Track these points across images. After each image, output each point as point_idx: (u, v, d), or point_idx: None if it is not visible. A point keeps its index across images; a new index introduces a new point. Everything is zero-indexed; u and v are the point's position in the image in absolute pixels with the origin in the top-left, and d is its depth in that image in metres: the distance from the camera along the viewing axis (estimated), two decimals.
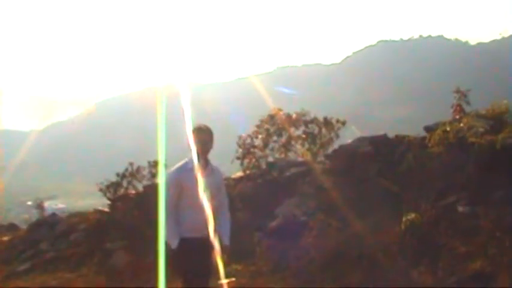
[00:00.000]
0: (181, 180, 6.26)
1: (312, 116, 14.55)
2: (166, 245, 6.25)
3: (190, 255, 6.19)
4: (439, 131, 10.90)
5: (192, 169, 6.23)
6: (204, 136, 6.39)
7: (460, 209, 9.27)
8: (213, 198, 6.35)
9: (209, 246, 6.25)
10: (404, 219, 8.70)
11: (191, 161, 6.27)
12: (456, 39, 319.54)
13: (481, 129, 10.65)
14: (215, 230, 6.31)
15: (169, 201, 6.27)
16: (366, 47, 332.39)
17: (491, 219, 8.31)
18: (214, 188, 6.44)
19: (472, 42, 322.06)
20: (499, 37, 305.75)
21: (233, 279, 6.90)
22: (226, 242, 6.44)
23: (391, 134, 12.39)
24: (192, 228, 6.24)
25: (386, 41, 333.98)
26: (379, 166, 11.13)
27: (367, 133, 12.92)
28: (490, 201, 9.17)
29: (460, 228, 8.57)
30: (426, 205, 9.14)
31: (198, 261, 6.24)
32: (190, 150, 6.22)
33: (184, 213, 6.27)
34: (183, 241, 6.17)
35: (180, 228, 6.22)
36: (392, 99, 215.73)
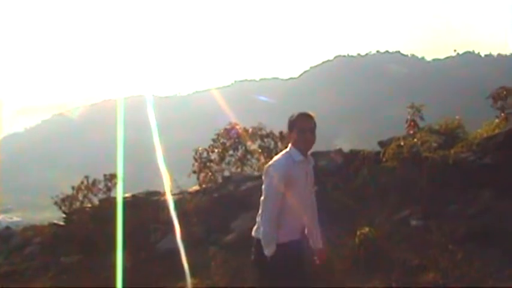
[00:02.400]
0: (291, 176, 5.37)
1: (268, 130, 14.60)
2: (258, 251, 5.44)
3: (291, 262, 5.50)
4: (393, 146, 11.06)
5: (301, 162, 5.46)
6: (310, 124, 5.54)
7: (413, 222, 9.44)
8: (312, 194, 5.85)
9: (306, 249, 5.76)
10: (358, 233, 8.75)
11: (295, 152, 5.44)
12: (413, 55, 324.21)
13: (434, 144, 10.86)
14: (311, 232, 5.90)
15: (275, 201, 5.35)
16: (324, 62, 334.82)
17: (444, 232, 8.44)
18: (312, 183, 5.82)
19: (428, 58, 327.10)
20: (453, 54, 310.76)
21: None
22: (320, 245, 6.00)
23: (348, 148, 12.52)
24: (291, 232, 5.50)
25: (343, 56, 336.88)
26: (335, 180, 11.21)
27: (324, 147, 13.01)
28: (442, 215, 9.33)
29: (413, 241, 8.67)
30: (380, 219, 9.24)
31: (299, 268, 5.58)
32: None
33: (285, 215, 5.40)
34: (281, 247, 5.34)
35: (278, 231, 5.37)
36: (349, 113, 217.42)
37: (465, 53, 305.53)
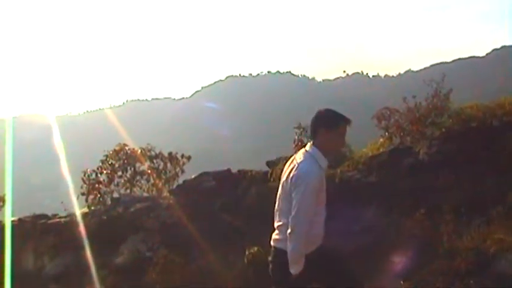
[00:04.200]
0: (321, 185, 5.06)
1: (158, 150, 14.53)
2: (280, 265, 5.11)
3: (335, 263, 5.35)
4: (280, 166, 11.18)
5: (325, 168, 5.13)
6: (346, 130, 5.19)
7: None
8: None
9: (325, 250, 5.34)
10: (247, 252, 8.81)
11: (321, 157, 5.05)
12: (303, 76, 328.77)
13: None
14: None
15: (309, 215, 4.92)
16: (215, 82, 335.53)
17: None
18: None
19: (318, 78, 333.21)
20: (343, 74, 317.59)
21: None
22: None
23: (239, 168, 12.58)
24: (314, 241, 5.17)
25: (235, 76, 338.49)
26: (223, 201, 11.26)
27: (215, 167, 13.05)
28: (328, 233, 9.49)
29: None
30: (269, 238, 9.30)
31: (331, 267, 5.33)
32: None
33: (312, 224, 5.01)
34: (312, 256, 5.03)
35: None
36: (241, 133, 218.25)
37: (354, 73, 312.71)
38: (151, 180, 13.97)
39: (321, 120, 5.16)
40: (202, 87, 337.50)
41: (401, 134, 12.25)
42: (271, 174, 11.23)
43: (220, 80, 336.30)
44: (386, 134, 12.57)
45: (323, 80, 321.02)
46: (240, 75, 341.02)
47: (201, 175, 12.36)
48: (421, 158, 10.78)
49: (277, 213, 5.37)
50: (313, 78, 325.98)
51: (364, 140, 13.26)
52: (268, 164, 12.11)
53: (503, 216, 8.30)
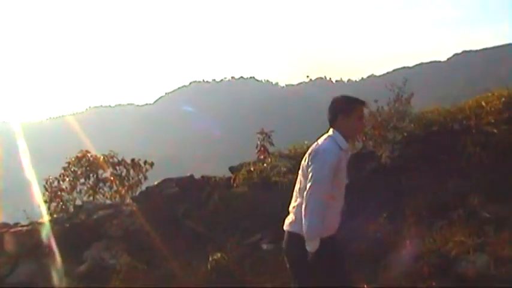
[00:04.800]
0: (339, 166, 4.99)
1: (120, 157, 14.46)
2: (295, 247, 5.03)
3: (335, 258, 5.10)
4: (243, 171, 11.25)
5: (346, 150, 5.12)
6: (363, 112, 5.28)
7: (265, 246, 9.58)
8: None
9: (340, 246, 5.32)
10: (210, 258, 8.82)
11: (341, 139, 5.05)
12: (267, 81, 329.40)
13: (284, 169, 11.10)
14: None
15: (326, 187, 4.84)
16: (179, 88, 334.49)
17: None
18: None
19: (282, 83, 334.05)
20: (306, 79, 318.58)
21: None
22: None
23: (203, 174, 12.58)
24: (331, 226, 5.10)
25: (199, 81, 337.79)
26: (186, 207, 11.25)
27: (178, 173, 13.04)
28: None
29: (265, 265, 8.79)
30: (232, 244, 9.33)
31: (342, 264, 5.22)
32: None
33: (328, 208, 4.93)
34: (324, 242, 4.86)
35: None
36: (205, 139, 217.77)
37: (317, 78, 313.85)
38: (114, 187, 13.90)
39: (337, 107, 5.18)
40: (166, 93, 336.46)
41: (364, 138, 12.34)
42: (234, 179, 11.27)
43: (184, 86, 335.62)
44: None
45: (286, 85, 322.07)
46: (203, 80, 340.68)
47: (164, 181, 12.34)
48: (383, 162, 10.91)
49: (295, 194, 5.30)
50: (277, 83, 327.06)
51: None
52: (231, 169, 12.15)
53: (464, 218, 8.43)
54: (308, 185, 4.87)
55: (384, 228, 8.72)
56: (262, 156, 12.30)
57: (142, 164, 14.04)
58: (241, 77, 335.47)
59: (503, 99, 10.78)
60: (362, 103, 5.17)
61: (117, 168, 14.11)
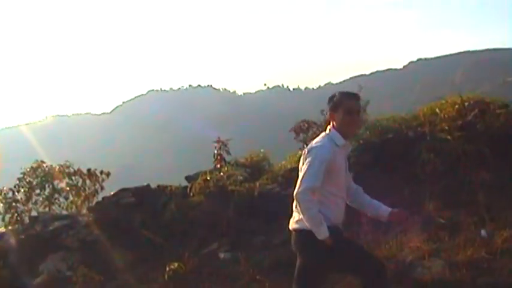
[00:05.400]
0: (333, 161, 4.93)
1: (76, 167, 14.30)
2: (302, 240, 5.05)
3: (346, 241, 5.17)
4: (200, 181, 11.23)
5: (343, 146, 5.06)
6: (358, 105, 5.20)
7: (222, 255, 9.59)
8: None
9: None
10: (167, 268, 8.79)
11: (337, 136, 5.02)
12: (224, 89, 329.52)
13: (240, 177, 11.13)
14: (368, 208, 5.48)
15: (316, 177, 4.79)
16: (136, 97, 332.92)
17: (251, 263, 8.62)
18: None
19: (239, 91, 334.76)
20: (264, 87, 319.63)
21: None
22: (389, 209, 5.45)
23: (159, 183, 12.53)
24: (335, 220, 5.04)
25: (156, 90, 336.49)
26: (143, 217, 11.18)
27: (135, 183, 12.97)
28: (250, 246, 9.58)
29: (222, 273, 8.79)
30: (189, 253, 9.30)
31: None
32: None
33: (329, 202, 5.00)
34: (333, 227, 4.90)
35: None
36: (162, 148, 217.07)
37: (275, 86, 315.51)
38: (70, 198, 13.74)
39: (329, 104, 5.17)
40: (123, 102, 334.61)
41: None
42: (190, 188, 11.25)
43: (142, 95, 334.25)
44: (305, 146, 12.73)
45: (244, 93, 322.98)
46: (161, 89, 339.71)
47: (120, 191, 12.23)
48: None
49: None
50: (235, 92, 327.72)
51: (285, 153, 13.41)
52: (187, 178, 12.13)
53: (420, 224, 8.50)
54: (298, 181, 4.87)
55: None
56: (218, 165, 12.33)
57: (99, 174, 13.88)
58: (199, 85, 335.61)
59: (456, 106, 10.95)
60: (349, 97, 5.13)
61: (73, 178, 13.94)
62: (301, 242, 5.09)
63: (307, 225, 4.88)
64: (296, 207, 5.10)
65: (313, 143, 5.08)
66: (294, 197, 4.88)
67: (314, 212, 4.80)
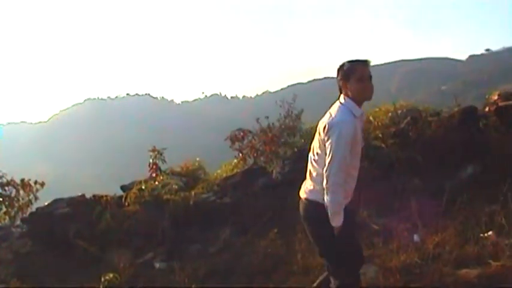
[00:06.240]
0: (355, 134, 4.90)
1: (10, 177, 14.03)
2: (315, 212, 5.04)
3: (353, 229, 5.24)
4: (134, 190, 11.16)
5: (361, 116, 5.05)
6: (369, 71, 5.04)
7: (157, 265, 9.54)
8: None
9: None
10: (102, 279, 8.70)
11: (353, 106, 4.97)
12: (162, 98, 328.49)
13: (175, 186, 11.11)
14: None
15: (344, 162, 4.82)
16: (73, 105, 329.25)
17: (187, 272, 8.60)
18: None
19: (177, 100, 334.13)
20: (202, 96, 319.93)
21: None
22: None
23: (95, 193, 12.38)
24: (348, 194, 5.08)
25: (93, 99, 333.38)
26: (78, 227, 11.05)
27: (71, 193, 12.80)
28: (185, 256, 9.56)
29: (158, 283, 8.75)
30: (124, 263, 9.23)
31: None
32: None
33: (346, 177, 4.94)
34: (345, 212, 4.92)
35: None
36: (99, 157, 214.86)
37: (213, 95, 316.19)
38: (3, 209, 13.46)
39: (338, 74, 5.11)
40: (60, 111, 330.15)
41: (255, 154, 12.51)
42: (125, 198, 11.17)
43: (79, 103, 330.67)
44: (241, 155, 12.79)
45: (182, 102, 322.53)
46: (98, 98, 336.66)
47: (54, 201, 12.03)
48: (274, 177, 11.06)
49: (311, 163, 5.25)
50: (172, 100, 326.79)
51: (222, 161, 13.45)
52: (122, 188, 12.02)
53: None
54: (327, 161, 4.84)
55: (274, 243, 8.81)
56: (154, 174, 12.27)
57: (33, 184, 13.64)
58: (137, 93, 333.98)
59: (390, 114, 11.10)
60: (359, 64, 5.04)
61: (6, 188, 13.66)
62: (313, 212, 5.09)
63: (325, 201, 4.89)
64: (313, 177, 5.15)
65: (333, 116, 4.96)
66: (325, 176, 4.85)
67: (340, 198, 4.83)
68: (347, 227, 4.97)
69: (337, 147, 4.78)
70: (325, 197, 4.87)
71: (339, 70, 5.12)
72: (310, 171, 5.25)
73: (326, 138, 4.90)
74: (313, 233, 5.27)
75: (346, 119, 4.86)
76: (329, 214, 4.86)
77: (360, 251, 5.46)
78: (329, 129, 4.87)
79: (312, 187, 5.14)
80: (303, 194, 5.28)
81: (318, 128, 5.18)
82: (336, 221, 4.84)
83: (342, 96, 5.09)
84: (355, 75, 4.96)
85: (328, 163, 4.82)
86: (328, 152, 4.85)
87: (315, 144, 5.21)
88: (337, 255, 5.20)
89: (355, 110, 4.95)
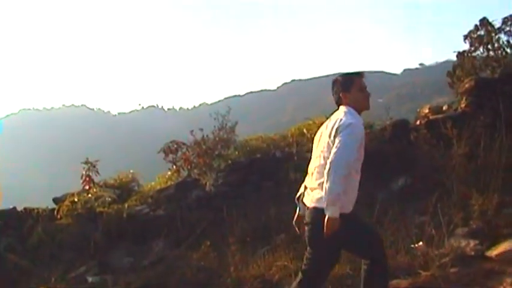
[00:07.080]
0: (363, 137, 5.05)
1: None
2: (315, 222, 4.96)
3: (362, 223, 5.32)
4: (67, 202, 11.04)
5: (363, 123, 5.14)
6: (363, 83, 5.31)
7: (90, 279, 9.44)
8: None
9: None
10: None
11: (355, 113, 5.14)
12: (99, 109, 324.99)
13: (109, 199, 11.04)
14: None
15: (353, 156, 4.84)
16: (8, 115, 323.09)
17: (120, 286, 8.56)
18: None
19: (114, 111, 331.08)
20: (138, 107, 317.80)
21: None
22: None
23: (27, 206, 12.18)
24: (353, 201, 5.06)
25: (28, 109, 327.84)
26: (9, 241, 10.87)
27: (6, 204, 12.57)
28: (118, 269, 9.50)
29: None
30: (56, 278, 9.13)
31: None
32: None
33: (352, 182, 4.98)
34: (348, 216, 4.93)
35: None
36: (32, 169, 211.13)
37: (149, 107, 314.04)
38: None
39: (338, 86, 5.32)
40: None
41: (189, 166, 12.54)
42: (58, 211, 11.05)
43: (13, 113, 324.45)
44: (174, 167, 12.79)
45: (118, 113, 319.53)
46: (33, 108, 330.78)
47: None
48: (208, 189, 11.15)
49: (315, 170, 5.20)
50: (109, 112, 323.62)
51: (157, 174, 13.42)
52: (55, 200, 11.88)
53: (287, 243, 8.66)
54: (333, 151, 4.84)
55: (207, 256, 8.83)
56: (87, 187, 12.15)
57: None
58: (73, 104, 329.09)
59: None
60: (358, 75, 5.32)
61: None
62: (321, 220, 4.90)
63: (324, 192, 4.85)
64: (319, 185, 5.07)
65: (343, 118, 5.03)
66: (328, 163, 4.86)
67: (339, 189, 4.75)
68: (356, 224, 5.14)
69: (346, 142, 4.83)
70: (324, 185, 4.84)
71: (337, 82, 5.36)
72: (314, 178, 5.22)
73: (336, 137, 4.96)
74: (321, 241, 5.08)
75: (357, 122, 5.03)
76: (326, 202, 4.80)
77: (374, 234, 5.54)
78: (342, 128, 4.93)
79: (319, 195, 5.04)
80: (310, 203, 5.20)
81: (320, 134, 5.39)
82: (332, 211, 4.77)
83: (342, 106, 5.26)
84: (356, 86, 5.24)
85: (334, 153, 4.83)
86: (336, 143, 4.88)
87: (317, 151, 5.33)
88: (360, 250, 5.40)
89: (359, 118, 5.14)
